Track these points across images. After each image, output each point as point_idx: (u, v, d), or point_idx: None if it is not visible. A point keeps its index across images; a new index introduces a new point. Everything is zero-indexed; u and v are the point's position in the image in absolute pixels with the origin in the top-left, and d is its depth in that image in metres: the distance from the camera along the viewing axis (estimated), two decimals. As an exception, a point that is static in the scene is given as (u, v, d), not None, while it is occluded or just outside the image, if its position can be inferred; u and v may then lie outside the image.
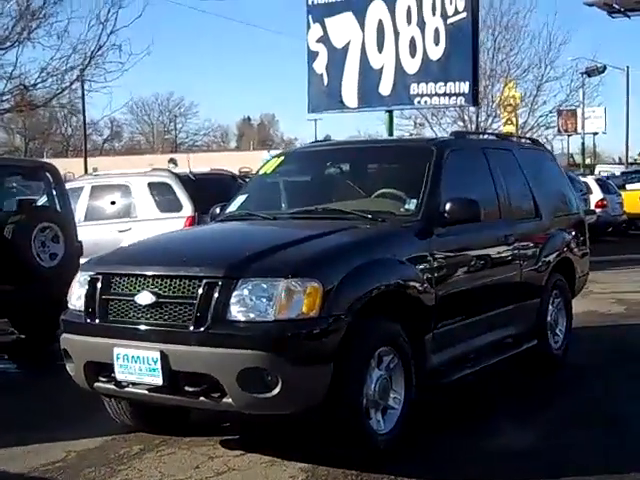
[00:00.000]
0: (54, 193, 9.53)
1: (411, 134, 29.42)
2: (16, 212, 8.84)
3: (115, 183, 11.71)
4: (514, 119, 32.49)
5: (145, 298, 4.90)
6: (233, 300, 4.69)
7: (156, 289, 4.90)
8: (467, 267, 6.09)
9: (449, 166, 6.13)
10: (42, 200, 9.70)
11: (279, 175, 6.86)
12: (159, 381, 4.81)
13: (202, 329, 4.69)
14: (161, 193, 11.16)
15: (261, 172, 6.96)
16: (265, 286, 4.69)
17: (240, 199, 6.68)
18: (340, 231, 5.49)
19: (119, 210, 11.35)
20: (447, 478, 4.98)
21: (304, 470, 5.01)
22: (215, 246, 5.57)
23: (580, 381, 7.30)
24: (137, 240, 6.14)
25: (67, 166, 44.15)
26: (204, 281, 4.75)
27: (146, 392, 4.98)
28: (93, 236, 10.02)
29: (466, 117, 31.02)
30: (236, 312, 4.68)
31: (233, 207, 6.61)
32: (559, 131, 47.10)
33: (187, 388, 4.81)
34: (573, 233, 7.93)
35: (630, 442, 5.56)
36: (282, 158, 7.04)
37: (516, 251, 6.74)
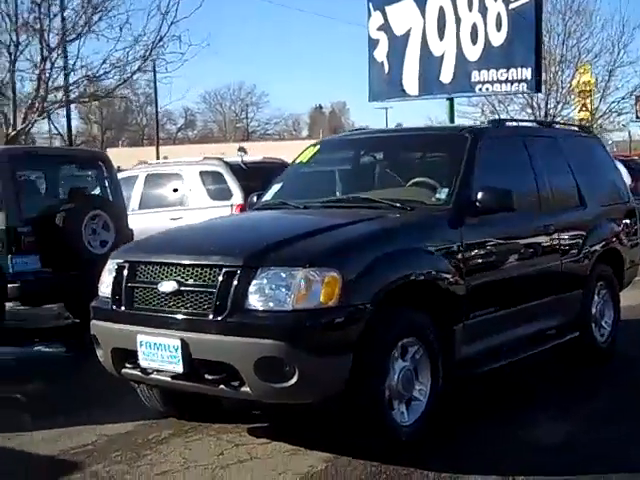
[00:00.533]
0: (106, 182, 9.73)
1: (482, 122, 29.07)
2: (68, 200, 9.04)
3: (168, 172, 11.88)
4: (589, 105, 31.82)
5: (168, 286, 4.94)
6: (252, 289, 4.70)
7: (178, 277, 4.94)
8: (501, 257, 5.98)
9: (484, 155, 6.03)
10: (95, 189, 9.87)
11: (314, 164, 6.84)
12: (180, 369, 4.85)
13: (221, 318, 4.71)
14: (212, 181, 11.27)
15: (297, 161, 6.95)
16: (284, 275, 4.68)
17: (275, 187, 6.68)
18: (366, 220, 5.44)
19: (172, 198, 11.49)
20: (471, 471, 4.87)
21: (325, 460, 5.00)
22: (239, 235, 5.59)
23: (629, 373, 7.14)
24: (169, 228, 6.20)
25: (141, 154, 45.03)
26: (224, 270, 4.76)
27: (169, 379, 5.03)
28: (146, 224, 10.15)
29: (535, 104, 30.54)
30: (255, 301, 4.69)
31: (268, 196, 6.62)
32: (637, 117, 45.84)
33: (207, 376, 4.84)
34: (622, 223, 7.72)
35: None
36: (318, 147, 7.01)
37: (557, 241, 6.59)
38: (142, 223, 10.05)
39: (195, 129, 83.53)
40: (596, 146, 7.92)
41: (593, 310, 7.21)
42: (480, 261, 5.75)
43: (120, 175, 12.73)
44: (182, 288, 4.90)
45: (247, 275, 4.72)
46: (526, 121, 8.96)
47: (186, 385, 5.02)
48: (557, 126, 8.83)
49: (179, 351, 4.82)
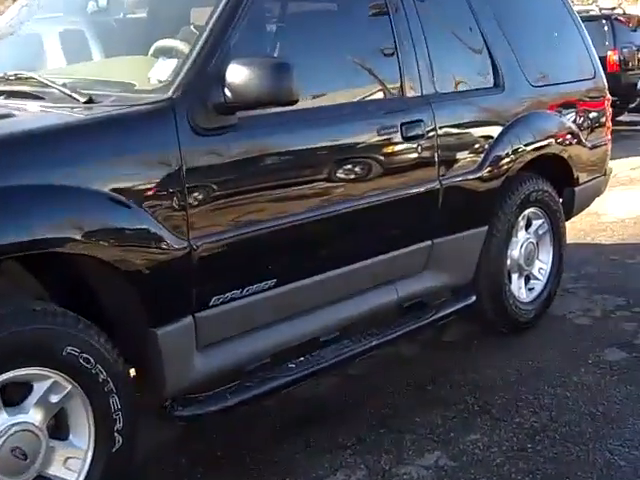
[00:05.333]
0: None
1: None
2: None
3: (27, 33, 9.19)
4: None
5: None
6: None
7: None
8: (285, 188, 3.19)
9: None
10: None
11: (28, 15, 4.19)
12: None
13: None
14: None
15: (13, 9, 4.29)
16: None
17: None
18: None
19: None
20: None
21: None
22: None
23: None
24: None
25: None
26: None
27: None
28: None
29: None
30: None
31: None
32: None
33: None
34: (574, 113, 4.88)
35: None
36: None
37: (433, 149, 3.85)
38: None
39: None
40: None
41: (515, 254, 4.56)
42: (232, 199, 3.00)
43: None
44: None
45: None
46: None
47: None
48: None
49: None
